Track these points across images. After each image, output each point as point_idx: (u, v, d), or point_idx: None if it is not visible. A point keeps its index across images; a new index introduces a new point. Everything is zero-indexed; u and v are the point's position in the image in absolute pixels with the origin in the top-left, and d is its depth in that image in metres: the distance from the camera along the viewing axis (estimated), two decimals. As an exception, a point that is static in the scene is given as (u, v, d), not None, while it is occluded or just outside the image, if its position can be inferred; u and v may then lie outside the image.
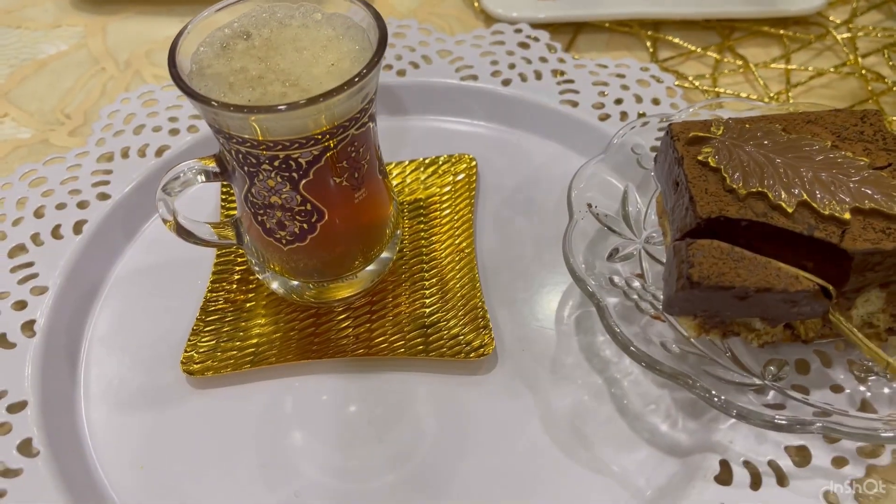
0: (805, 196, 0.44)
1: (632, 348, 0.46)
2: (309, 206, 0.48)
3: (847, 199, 0.44)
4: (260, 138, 0.44)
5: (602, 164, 0.56)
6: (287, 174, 0.46)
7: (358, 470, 0.48)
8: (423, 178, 0.64)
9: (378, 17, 0.46)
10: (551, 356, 0.52)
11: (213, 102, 0.42)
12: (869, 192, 0.44)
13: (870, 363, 0.47)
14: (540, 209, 0.61)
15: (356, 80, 0.43)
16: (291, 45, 0.47)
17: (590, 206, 0.53)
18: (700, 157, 0.47)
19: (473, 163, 0.64)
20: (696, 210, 0.44)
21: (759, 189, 0.44)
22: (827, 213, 0.43)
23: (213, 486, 0.47)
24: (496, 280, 0.57)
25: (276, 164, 0.45)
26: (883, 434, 0.41)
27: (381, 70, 0.46)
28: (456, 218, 0.61)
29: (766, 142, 0.47)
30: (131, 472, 0.48)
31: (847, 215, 0.43)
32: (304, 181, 0.46)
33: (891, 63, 0.71)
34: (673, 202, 0.48)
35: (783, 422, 0.42)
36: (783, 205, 0.44)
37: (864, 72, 0.71)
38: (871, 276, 0.44)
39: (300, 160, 0.45)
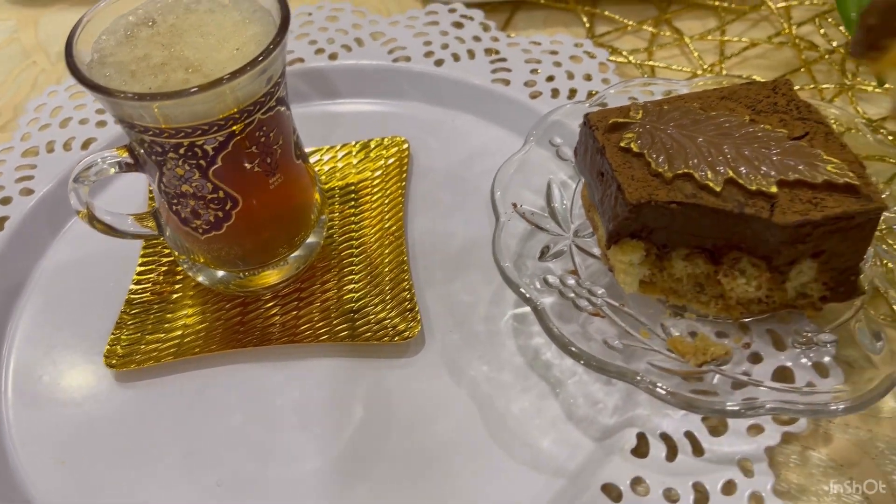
0: (731, 173, 0.44)
1: (572, 349, 0.45)
2: (221, 194, 0.47)
3: (772, 173, 0.43)
4: (163, 126, 0.43)
5: (524, 159, 0.55)
6: (194, 161, 0.45)
7: (282, 457, 0.47)
8: (354, 161, 0.64)
9: (281, 0, 0.45)
10: (479, 338, 0.52)
11: (108, 91, 0.41)
12: (792, 163, 0.44)
13: (809, 334, 0.47)
14: (473, 190, 0.61)
15: (258, 60, 0.42)
16: (197, 31, 0.46)
17: (515, 205, 0.53)
18: (622, 144, 0.46)
19: (405, 145, 0.64)
20: (625, 197, 0.44)
21: (685, 170, 0.44)
22: (754, 188, 0.43)
23: (136, 480, 0.47)
24: (427, 263, 0.57)
25: (182, 151, 0.44)
26: (832, 408, 0.41)
27: (285, 52, 0.46)
28: (387, 202, 0.60)
29: (685, 122, 0.47)
30: (53, 468, 0.48)
31: (774, 189, 0.43)
32: (212, 168, 0.45)
33: (822, 31, 0.71)
34: (601, 193, 0.48)
35: (735, 408, 0.42)
36: (710, 184, 0.43)
37: (796, 41, 0.71)
38: (802, 248, 0.44)
39: (206, 147, 0.44)
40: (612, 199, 0.45)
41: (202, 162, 0.45)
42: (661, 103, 0.49)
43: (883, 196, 0.47)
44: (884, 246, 0.50)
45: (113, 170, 0.49)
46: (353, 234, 0.58)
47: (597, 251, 0.52)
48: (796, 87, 0.65)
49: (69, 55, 0.43)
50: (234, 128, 0.44)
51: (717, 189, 0.43)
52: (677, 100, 0.49)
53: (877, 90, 0.65)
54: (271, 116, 0.46)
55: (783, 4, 0.75)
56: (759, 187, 0.43)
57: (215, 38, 0.45)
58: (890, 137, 0.61)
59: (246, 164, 0.47)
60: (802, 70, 0.69)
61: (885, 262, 0.50)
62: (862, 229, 0.43)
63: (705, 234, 0.45)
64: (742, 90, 0.49)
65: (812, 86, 0.67)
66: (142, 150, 0.46)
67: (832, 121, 0.56)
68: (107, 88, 0.41)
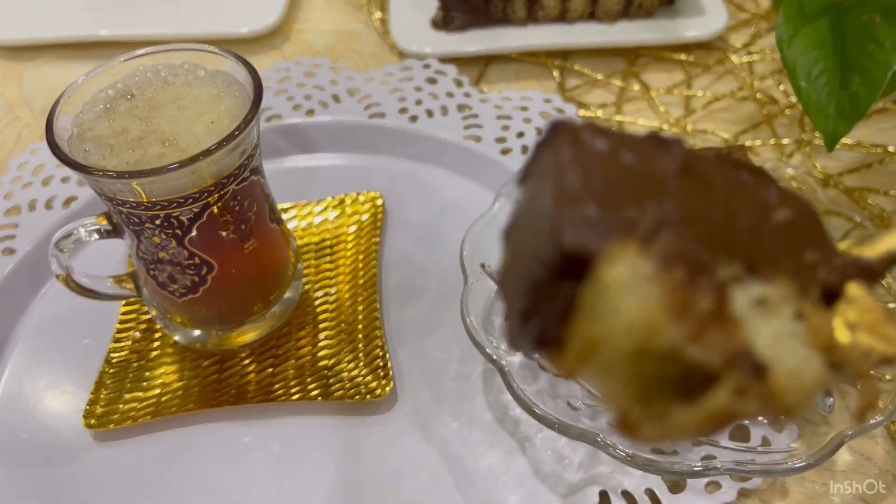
0: None
1: (536, 410, 0.46)
2: (197, 260, 0.49)
3: None
4: (142, 200, 0.45)
5: (494, 217, 0.57)
6: (170, 231, 0.47)
7: (256, 516, 0.49)
8: (330, 217, 0.65)
9: (254, 76, 0.47)
10: (449, 395, 0.53)
11: (87, 169, 0.43)
12: None
13: None
14: (445, 245, 0.62)
15: (234, 135, 0.44)
16: (174, 104, 0.48)
17: (483, 265, 0.54)
18: None
19: (380, 200, 0.66)
20: None
21: None
22: None
23: (113, 540, 0.48)
24: (400, 319, 0.58)
25: (158, 222, 0.46)
26: (787, 466, 0.43)
27: (258, 125, 0.48)
28: (361, 257, 0.62)
29: None
30: (31, 529, 0.49)
31: None
32: (188, 237, 0.47)
33: (780, 87, 0.73)
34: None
35: (692, 469, 0.43)
36: None
37: (758, 96, 0.73)
38: None
39: (181, 218, 0.46)
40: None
41: (178, 231, 0.47)
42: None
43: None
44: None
45: (91, 237, 0.50)
46: (328, 289, 0.60)
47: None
48: (758, 141, 0.68)
49: (49, 132, 0.45)
50: (209, 199, 0.46)
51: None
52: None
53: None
54: (245, 186, 0.48)
55: (746, 59, 0.78)
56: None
57: (191, 112, 0.47)
58: (844, 193, 0.63)
59: (221, 232, 0.48)
60: (763, 124, 0.71)
61: (837, 318, 0.52)
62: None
63: None
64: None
65: (773, 140, 0.69)
66: (120, 220, 0.48)
67: (789, 176, 0.58)
68: (86, 167, 0.43)
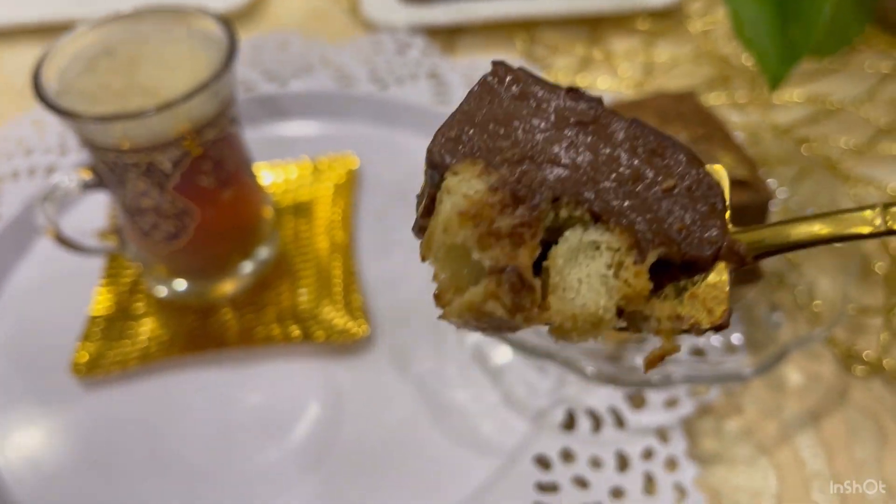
0: None
1: (510, 338, 0.49)
2: (180, 206, 0.51)
3: None
4: (125, 147, 0.47)
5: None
6: (153, 178, 0.49)
7: (242, 452, 0.51)
8: (307, 178, 0.68)
9: (228, 30, 0.50)
10: (424, 335, 0.56)
11: (75, 115, 0.45)
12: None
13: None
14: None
15: (209, 82, 0.46)
16: (154, 60, 0.50)
17: None
18: None
19: (355, 162, 0.68)
20: None
21: None
22: None
23: (106, 481, 0.50)
24: (377, 271, 0.61)
25: (142, 169, 0.48)
26: (739, 372, 0.46)
27: (235, 75, 0.50)
28: (338, 215, 0.64)
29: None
30: (28, 473, 0.51)
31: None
32: (171, 182, 0.50)
33: (735, 49, 0.77)
34: None
35: (656, 379, 0.47)
36: None
37: (714, 58, 0.77)
38: None
39: (163, 164, 0.48)
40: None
41: (161, 177, 0.49)
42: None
43: (780, 195, 0.53)
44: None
45: (78, 189, 0.52)
46: (305, 247, 0.62)
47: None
48: (712, 97, 0.71)
49: (37, 85, 0.47)
50: (190, 146, 0.48)
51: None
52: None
53: (787, 101, 0.71)
54: (224, 136, 0.51)
55: (702, 28, 0.81)
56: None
57: (171, 66, 0.50)
58: (795, 143, 0.67)
59: (202, 180, 0.51)
60: (719, 83, 0.75)
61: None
62: (755, 218, 0.48)
63: None
64: (652, 100, 0.55)
65: (727, 97, 0.73)
66: (105, 169, 0.50)
67: (742, 125, 0.62)
68: (74, 112, 0.45)
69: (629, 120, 0.28)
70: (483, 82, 0.28)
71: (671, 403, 0.49)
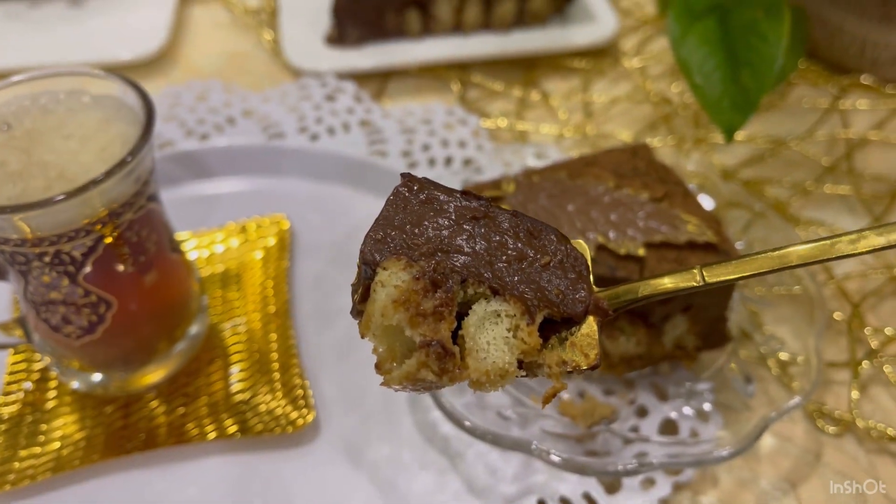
0: (601, 239, 0.46)
1: (466, 423, 0.45)
2: (94, 298, 0.45)
3: (638, 236, 0.46)
4: (27, 236, 0.41)
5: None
6: (62, 268, 0.43)
7: (177, 568, 0.45)
8: (233, 244, 0.62)
9: (144, 97, 0.44)
10: (376, 418, 0.52)
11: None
12: (655, 226, 0.46)
13: (688, 383, 0.50)
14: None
15: (126, 161, 0.41)
16: (57, 133, 0.44)
17: None
18: None
19: (286, 224, 0.63)
20: None
21: None
22: (623, 252, 0.45)
23: None
24: (317, 344, 0.56)
25: (48, 259, 0.42)
26: (716, 455, 0.44)
27: (153, 149, 0.45)
28: (270, 284, 0.59)
29: (555, 192, 0.49)
30: None
31: (641, 251, 0.45)
32: (81, 273, 0.44)
33: (673, 87, 0.76)
34: None
35: (627, 468, 0.43)
36: None
37: (652, 97, 0.75)
38: (672, 305, 0.46)
39: (73, 253, 0.42)
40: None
41: (70, 268, 0.43)
42: (531, 174, 0.51)
43: (738, 245, 0.50)
44: (745, 291, 0.54)
45: (-29, 281, 0.46)
46: (237, 319, 0.57)
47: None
48: (657, 141, 0.69)
49: (-86, 169, 0.41)
50: (104, 231, 0.43)
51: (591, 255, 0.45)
52: (546, 170, 0.51)
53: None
54: (142, 216, 0.45)
55: (638, 64, 0.80)
56: (628, 251, 0.45)
57: (77, 140, 0.44)
58: (743, 186, 0.65)
59: (119, 266, 0.45)
60: (660, 123, 0.73)
61: (748, 306, 0.53)
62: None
63: None
64: (605, 156, 0.52)
65: (670, 139, 0.71)
66: (4, 259, 0.44)
67: (691, 173, 0.60)
68: (-41, 203, 0.39)
69: (511, 212, 0.35)
70: (396, 192, 0.35)
71: (647, 484, 0.46)
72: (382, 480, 0.48)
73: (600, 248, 0.45)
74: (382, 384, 0.33)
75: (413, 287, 0.32)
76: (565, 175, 0.50)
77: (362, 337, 0.33)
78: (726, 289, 0.46)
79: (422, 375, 0.31)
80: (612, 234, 0.46)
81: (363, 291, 0.33)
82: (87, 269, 0.44)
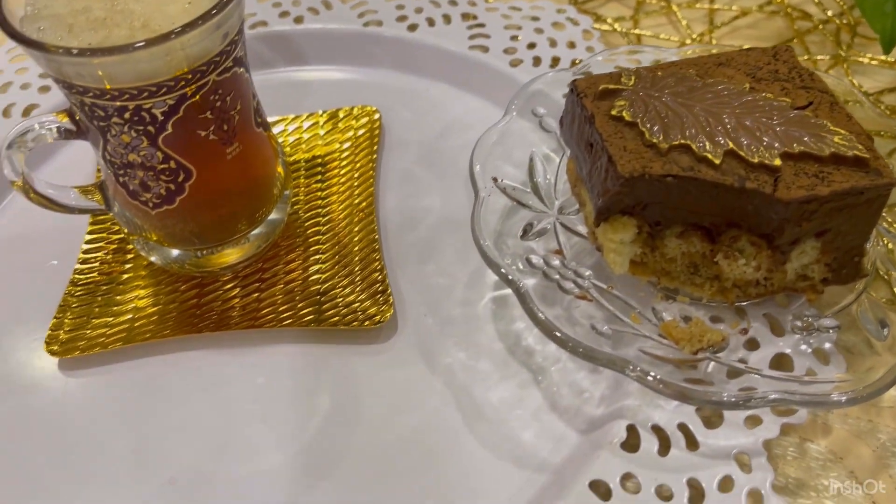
0: (731, 145, 0.40)
1: (557, 334, 0.41)
2: (173, 164, 0.43)
3: (775, 145, 0.40)
4: (106, 87, 0.39)
5: (505, 130, 0.51)
6: (142, 128, 0.40)
7: (240, 452, 0.43)
8: (321, 132, 0.59)
9: (237, -52, 0.41)
10: (455, 323, 0.48)
11: (41, 46, 0.36)
12: (796, 134, 0.40)
13: (809, 318, 0.44)
14: (449, 165, 0.57)
15: (212, 14, 0.37)
16: (144, -18, 0.41)
17: (496, 179, 0.49)
18: (613, 112, 0.43)
19: (377, 115, 0.60)
20: (616, 170, 0.40)
21: (682, 141, 0.40)
22: (756, 161, 0.39)
23: (80, 477, 0.43)
24: (400, 243, 0.53)
25: (128, 116, 0.40)
26: (835, 399, 0.38)
27: (242, 7, 0.42)
28: (356, 176, 0.56)
29: (681, 89, 0.43)
30: (-13, 465, 0.43)
31: (777, 161, 0.39)
32: (162, 135, 0.41)
33: (816, 0, 0.67)
34: (589, 166, 0.44)
35: (732, 399, 0.38)
36: (709, 156, 0.40)
37: (789, 10, 0.67)
38: (806, 226, 0.40)
39: (153, 111, 0.40)
40: (602, 172, 0.42)
41: (150, 128, 0.41)
42: (655, 69, 0.45)
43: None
44: (884, 224, 0.48)
45: (51, 136, 0.44)
46: (319, 210, 0.54)
47: (583, 229, 0.48)
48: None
49: (-2, 7, 0.38)
50: (186, 90, 0.40)
51: (717, 162, 0.40)
52: (672, 66, 0.46)
53: (873, 62, 0.62)
54: (227, 78, 0.42)
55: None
56: (762, 160, 0.39)
57: (165, -10, 0.41)
58: (888, 112, 0.58)
59: (200, 132, 0.42)
60: (795, 40, 0.65)
61: (886, 241, 0.47)
62: (870, 206, 0.40)
63: (702, 210, 0.41)
64: (740, 56, 0.46)
65: (806, 56, 0.63)
66: (83, 115, 0.41)
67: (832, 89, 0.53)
68: (39, 43, 0.36)
69: None
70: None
71: (752, 422, 0.41)
72: (458, 387, 0.45)
73: (729, 154, 0.40)
74: None
75: None
76: (694, 73, 0.44)
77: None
78: (872, 214, 0.40)
79: None
80: (744, 140, 0.40)
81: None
82: (168, 130, 0.41)
